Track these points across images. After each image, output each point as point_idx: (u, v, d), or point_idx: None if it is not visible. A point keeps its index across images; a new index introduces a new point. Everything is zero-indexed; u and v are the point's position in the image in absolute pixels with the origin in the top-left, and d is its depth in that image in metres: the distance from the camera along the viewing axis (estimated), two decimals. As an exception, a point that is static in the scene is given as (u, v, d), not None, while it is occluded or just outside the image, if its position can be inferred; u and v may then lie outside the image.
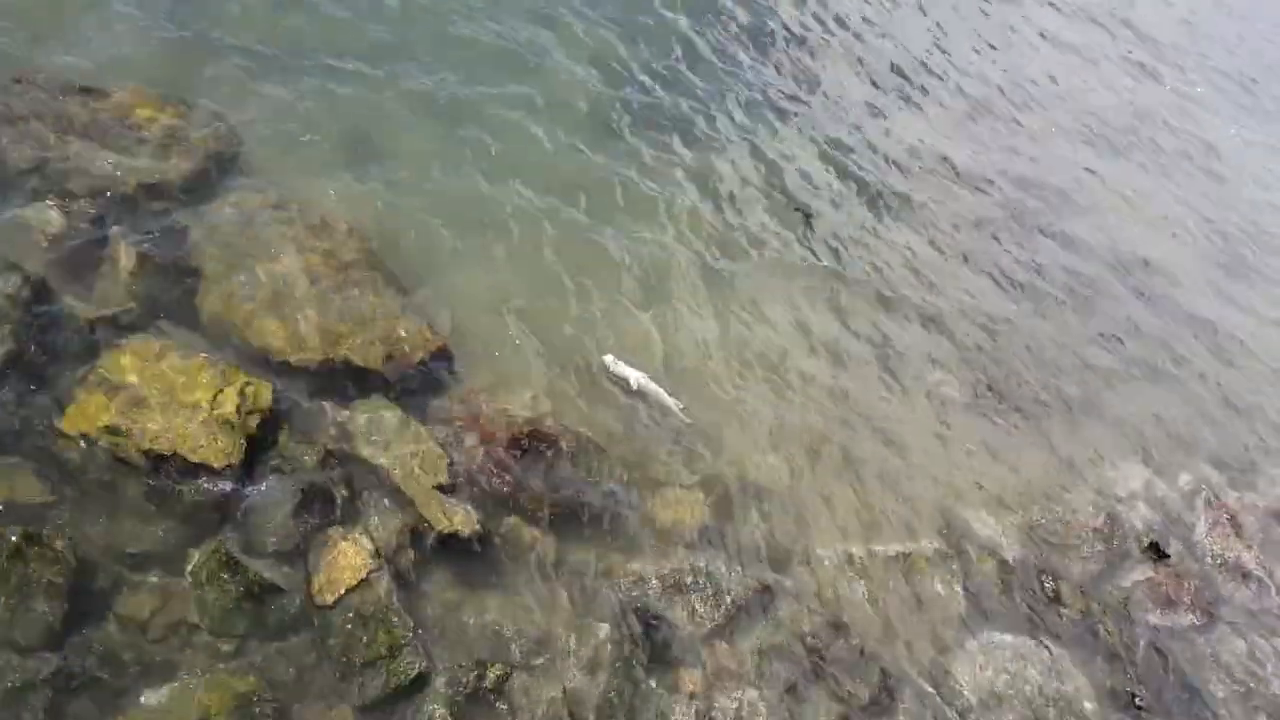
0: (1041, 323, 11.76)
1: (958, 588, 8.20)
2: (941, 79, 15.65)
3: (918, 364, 10.25)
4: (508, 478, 7.21)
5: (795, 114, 12.92)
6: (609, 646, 6.59)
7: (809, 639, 7.30)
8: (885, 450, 9.13)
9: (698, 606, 7.10)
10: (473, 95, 10.20)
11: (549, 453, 7.45)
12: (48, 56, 8.12)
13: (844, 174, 12.47)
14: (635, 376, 8.21)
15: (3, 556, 5.22)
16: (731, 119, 12.16)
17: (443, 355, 7.68)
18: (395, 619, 6.08)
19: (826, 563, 7.89)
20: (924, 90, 15.09)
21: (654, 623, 6.90)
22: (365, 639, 5.94)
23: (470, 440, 7.29)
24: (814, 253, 10.94)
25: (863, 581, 7.89)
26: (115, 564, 5.58)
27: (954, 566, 8.37)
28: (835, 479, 8.62)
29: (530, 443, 7.43)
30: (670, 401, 8.25)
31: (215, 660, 5.51)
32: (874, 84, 14.62)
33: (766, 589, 7.48)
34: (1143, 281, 13.50)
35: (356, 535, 6.37)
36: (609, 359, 8.23)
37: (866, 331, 10.32)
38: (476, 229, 8.88)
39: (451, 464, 7.04)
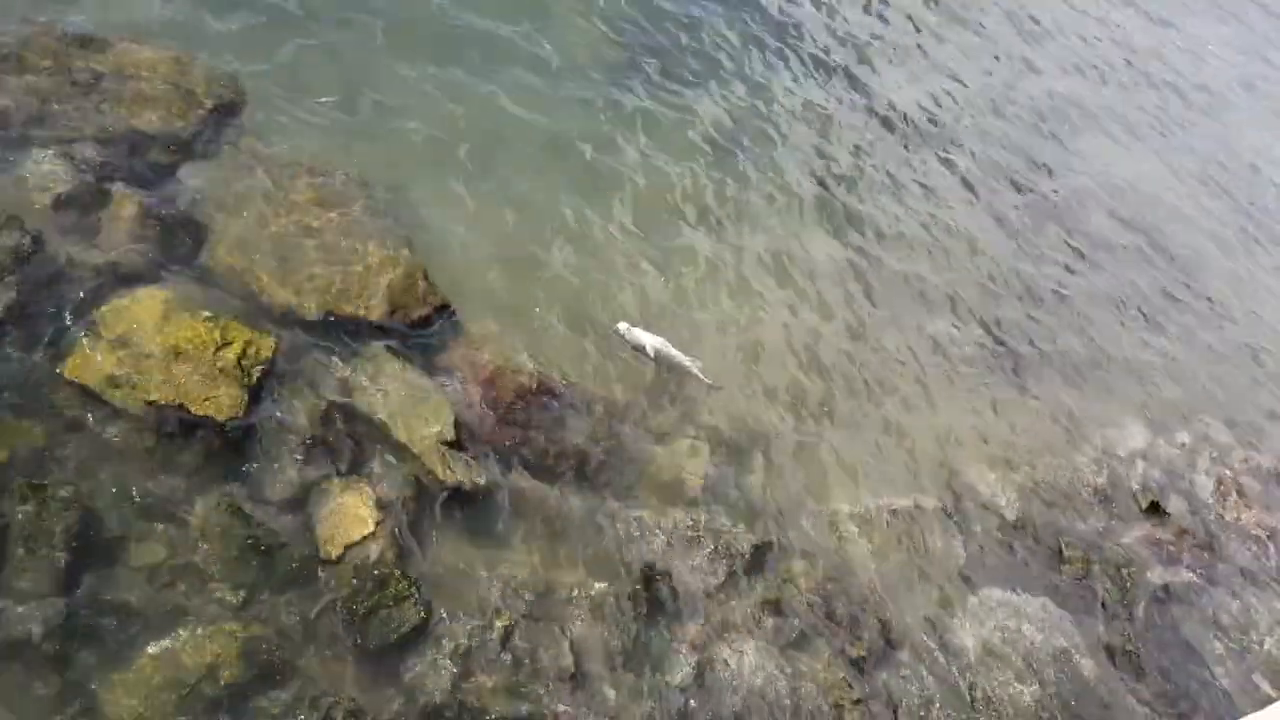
0: (1046, 280, 11.72)
1: (959, 544, 8.24)
2: (961, 21, 15.50)
3: (921, 321, 10.23)
4: (512, 431, 7.22)
5: (803, 60, 12.81)
6: (612, 599, 6.64)
7: (810, 593, 7.34)
8: (888, 407, 9.14)
9: (701, 560, 7.14)
10: (479, 48, 10.09)
11: (553, 406, 7.46)
12: (51, 7, 8.01)
13: (854, 122, 12.40)
14: (652, 342, 8.00)
15: (8, 505, 5.25)
16: (741, 66, 12.06)
17: (447, 309, 7.65)
18: (399, 570, 6.11)
19: (829, 517, 7.92)
20: (937, 37, 14.97)
21: (657, 576, 6.94)
22: (370, 590, 5.97)
23: (474, 394, 7.30)
24: (821, 207, 10.87)
25: (864, 537, 7.92)
26: (120, 514, 5.59)
27: (955, 522, 8.40)
28: (838, 435, 8.63)
29: (534, 396, 7.43)
30: (691, 365, 8.10)
31: (221, 610, 5.53)
32: (882, 21, 14.54)
33: (769, 543, 7.52)
34: (1150, 238, 13.42)
35: (361, 487, 6.39)
36: (622, 326, 8.04)
37: (871, 290, 10.29)
38: (481, 182, 8.83)
39: (455, 417, 7.02)
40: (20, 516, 5.26)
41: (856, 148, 12.10)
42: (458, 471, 6.77)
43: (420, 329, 7.46)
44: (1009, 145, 13.81)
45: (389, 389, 6.95)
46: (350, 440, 6.62)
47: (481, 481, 6.80)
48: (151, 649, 5.23)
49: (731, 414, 8.27)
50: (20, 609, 5.04)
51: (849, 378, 9.17)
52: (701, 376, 8.14)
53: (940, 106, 13.71)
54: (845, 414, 8.84)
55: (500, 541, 6.66)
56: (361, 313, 7.22)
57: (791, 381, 8.83)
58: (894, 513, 8.21)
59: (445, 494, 6.66)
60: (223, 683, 5.26)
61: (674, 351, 8.04)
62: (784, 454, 8.25)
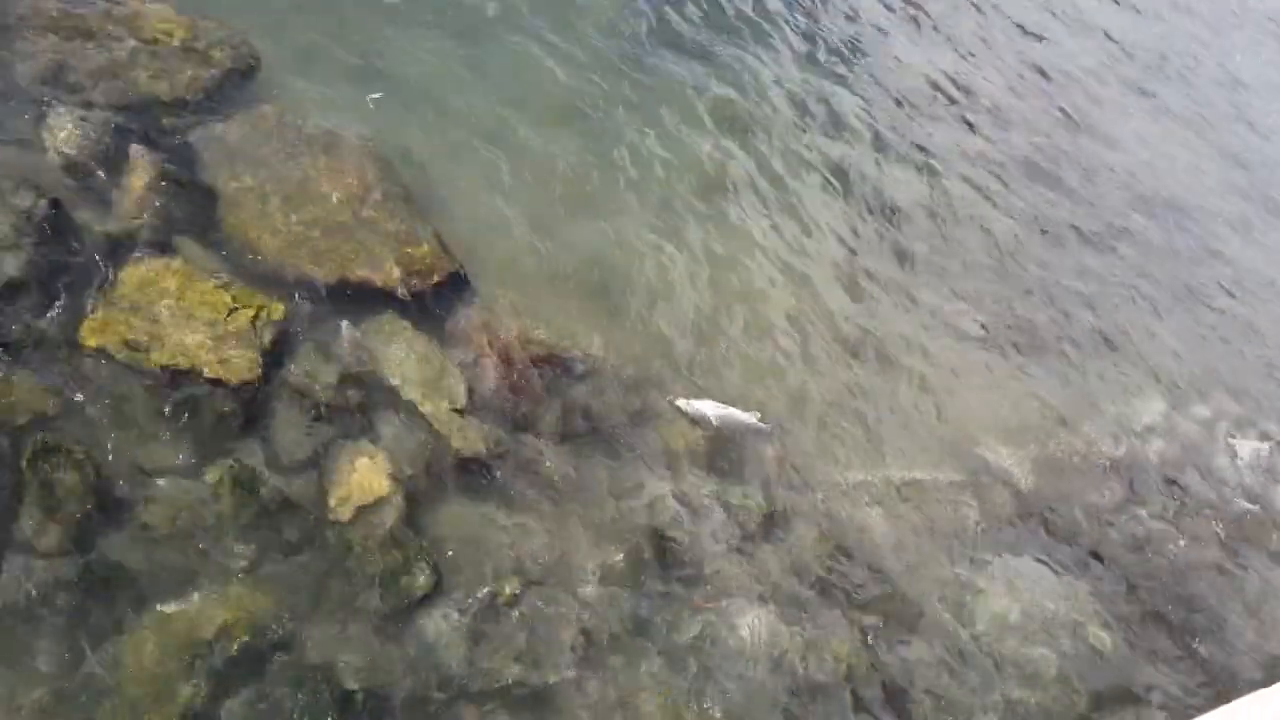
0: (1063, 255, 11.61)
1: (974, 515, 8.18)
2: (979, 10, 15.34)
3: (936, 295, 10.15)
4: (524, 399, 7.20)
5: (823, 41, 12.67)
6: (623, 565, 6.62)
7: (823, 562, 7.31)
8: (903, 379, 9.08)
9: (712, 529, 7.11)
10: (497, 17, 10.02)
11: (567, 375, 7.44)
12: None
13: (873, 97, 12.29)
14: (713, 412, 7.74)
15: (23, 465, 5.27)
16: (765, 35, 11.97)
17: (460, 276, 7.61)
18: (410, 535, 6.14)
19: (843, 487, 7.88)
20: (953, 6, 14.81)
21: (669, 544, 6.91)
22: (381, 554, 5.98)
23: (486, 362, 7.27)
24: (838, 182, 10.79)
25: (879, 506, 7.88)
26: (133, 476, 5.61)
27: (971, 494, 8.34)
28: (852, 406, 8.59)
29: (548, 365, 7.41)
30: (751, 421, 7.86)
31: (233, 572, 5.55)
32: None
33: (780, 512, 7.48)
34: (1167, 215, 13.28)
35: (372, 453, 6.39)
36: (681, 402, 7.73)
37: (886, 264, 10.22)
38: (498, 150, 8.76)
39: (468, 385, 7.03)
40: (35, 477, 5.28)
41: (874, 123, 11.96)
42: (470, 437, 6.78)
43: (434, 296, 7.41)
44: (1026, 122, 13.65)
45: (402, 355, 6.95)
46: (363, 405, 6.62)
47: (494, 448, 6.80)
48: (164, 609, 5.25)
49: (742, 384, 8.19)
50: (34, 567, 5.07)
51: (863, 350, 9.11)
52: (761, 425, 7.91)
53: (956, 82, 13.56)
54: (860, 386, 8.79)
55: (511, 507, 6.64)
56: (375, 279, 7.19)
57: (806, 353, 8.77)
58: (909, 484, 8.16)
59: (457, 460, 6.65)
60: (235, 643, 5.27)
61: (734, 413, 7.80)
62: (795, 423, 8.20)
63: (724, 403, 7.85)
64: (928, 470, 8.39)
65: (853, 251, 10.04)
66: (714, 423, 7.73)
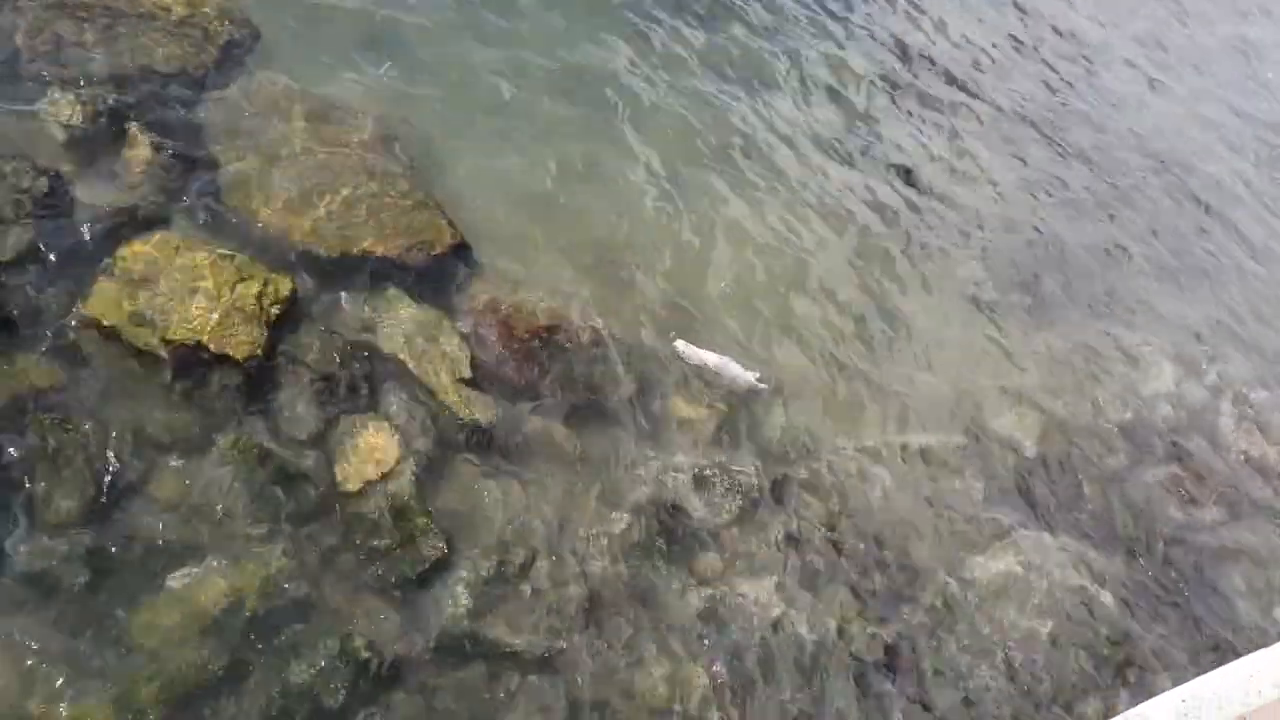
0: (1073, 221, 11.57)
1: (979, 481, 8.20)
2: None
3: (942, 259, 10.14)
4: (528, 370, 7.23)
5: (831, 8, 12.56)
6: (629, 536, 6.68)
7: (827, 530, 7.36)
8: (908, 344, 9.08)
9: (717, 498, 7.15)
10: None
11: (570, 346, 7.44)
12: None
13: (880, 59, 12.24)
14: (713, 361, 7.79)
15: (33, 440, 5.32)
16: (767, 11, 11.85)
17: (463, 248, 7.60)
18: (418, 506, 6.17)
19: (847, 455, 7.90)
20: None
21: (674, 513, 6.96)
22: (389, 525, 6.03)
23: (491, 333, 7.29)
24: (843, 146, 10.75)
25: (883, 474, 7.89)
26: (142, 450, 5.65)
27: (975, 460, 8.37)
28: (857, 372, 8.59)
29: (552, 336, 7.42)
30: (750, 379, 7.88)
31: (243, 544, 5.61)
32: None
33: (785, 480, 7.52)
34: (1178, 181, 13.19)
35: (380, 425, 6.43)
36: (681, 344, 7.80)
37: (891, 228, 10.20)
38: (497, 121, 8.76)
39: (473, 356, 7.05)
40: (45, 451, 5.33)
41: (881, 88, 11.91)
42: (475, 409, 6.82)
43: (438, 267, 7.41)
44: (1035, 84, 13.54)
45: (407, 327, 6.96)
46: (368, 378, 6.65)
47: (498, 419, 6.84)
48: (174, 582, 5.31)
49: (750, 352, 8.22)
50: (47, 541, 5.13)
51: (867, 315, 9.11)
52: (761, 387, 7.93)
53: (962, 47, 13.45)
54: (863, 351, 8.79)
55: (517, 478, 6.68)
56: (379, 250, 7.18)
57: (809, 318, 8.79)
58: (913, 450, 8.19)
59: (463, 432, 6.69)
60: (245, 615, 5.35)
61: (734, 367, 7.83)
62: (801, 391, 8.21)
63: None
64: (933, 436, 8.42)
65: (858, 218, 10.01)
66: (713, 370, 7.77)
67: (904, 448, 8.13)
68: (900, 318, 9.22)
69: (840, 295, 9.09)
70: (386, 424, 6.48)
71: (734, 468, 7.34)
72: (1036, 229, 11.09)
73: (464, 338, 7.13)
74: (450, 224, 7.60)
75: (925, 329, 9.24)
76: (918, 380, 8.80)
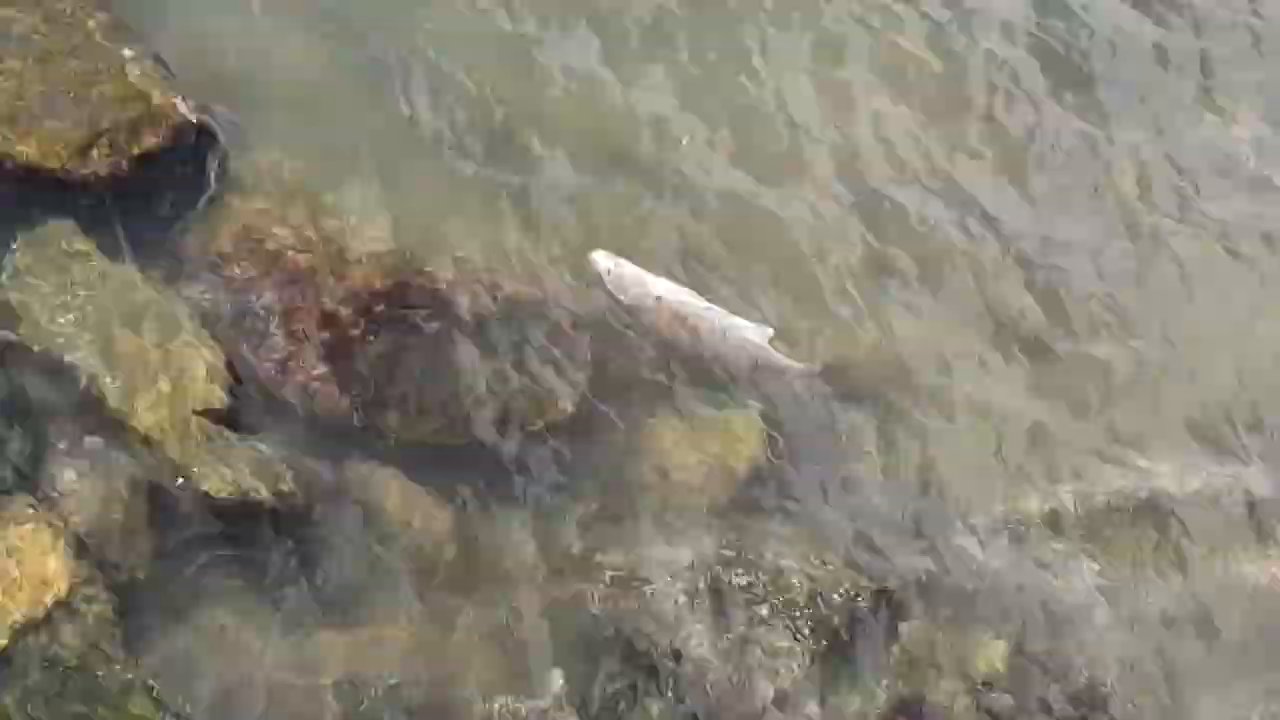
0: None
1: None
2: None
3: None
4: (356, 385, 4.02)
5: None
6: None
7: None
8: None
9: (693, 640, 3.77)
10: None
11: (432, 328, 4.19)
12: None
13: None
14: (665, 292, 4.41)
15: None
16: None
17: (207, 133, 4.38)
18: (116, 657, 3.36)
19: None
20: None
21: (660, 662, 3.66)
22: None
23: (265, 301, 4.08)
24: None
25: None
26: None
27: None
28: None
29: (392, 308, 4.17)
30: (756, 338, 4.45)
31: None
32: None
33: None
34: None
35: (40, 517, 3.55)
36: (601, 257, 4.45)
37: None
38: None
39: (229, 358, 3.95)
40: None
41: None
42: (235, 469, 3.75)
43: (155, 179, 4.22)
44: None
45: (88, 306, 3.92)
46: (13, 407, 3.70)
47: (288, 487, 3.72)
48: None
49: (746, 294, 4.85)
50: None
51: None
52: (774, 353, 4.47)
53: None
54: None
55: (308, 602, 3.63)
56: (42, 158, 4.07)
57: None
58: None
59: (211, 511, 3.65)
60: None
61: (708, 310, 4.42)
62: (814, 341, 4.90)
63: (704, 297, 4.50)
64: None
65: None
66: (658, 297, 4.40)
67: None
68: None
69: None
70: (49, 512, 3.56)
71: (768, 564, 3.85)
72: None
73: (206, 316, 4.02)
74: (176, 91, 4.36)
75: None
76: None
